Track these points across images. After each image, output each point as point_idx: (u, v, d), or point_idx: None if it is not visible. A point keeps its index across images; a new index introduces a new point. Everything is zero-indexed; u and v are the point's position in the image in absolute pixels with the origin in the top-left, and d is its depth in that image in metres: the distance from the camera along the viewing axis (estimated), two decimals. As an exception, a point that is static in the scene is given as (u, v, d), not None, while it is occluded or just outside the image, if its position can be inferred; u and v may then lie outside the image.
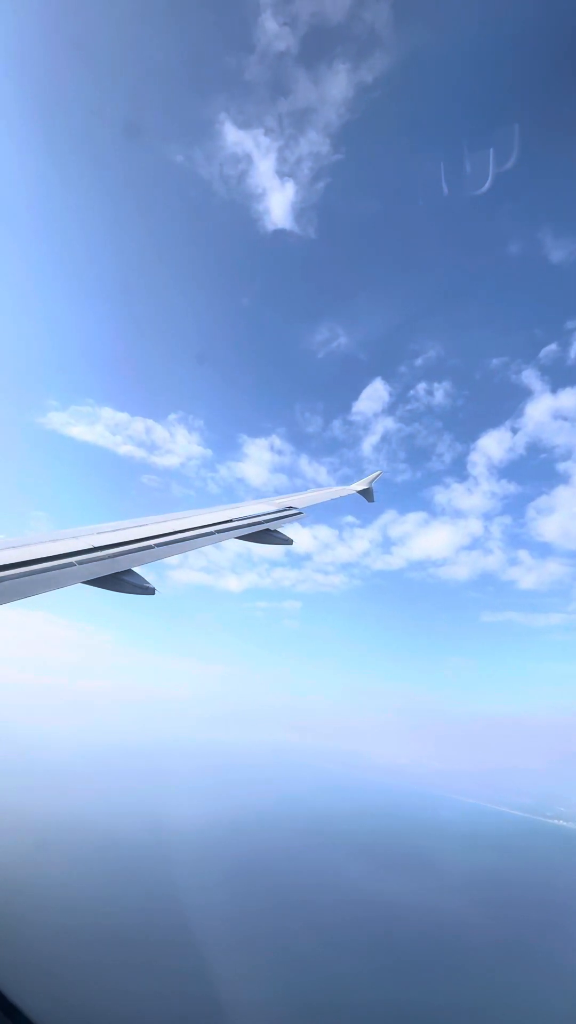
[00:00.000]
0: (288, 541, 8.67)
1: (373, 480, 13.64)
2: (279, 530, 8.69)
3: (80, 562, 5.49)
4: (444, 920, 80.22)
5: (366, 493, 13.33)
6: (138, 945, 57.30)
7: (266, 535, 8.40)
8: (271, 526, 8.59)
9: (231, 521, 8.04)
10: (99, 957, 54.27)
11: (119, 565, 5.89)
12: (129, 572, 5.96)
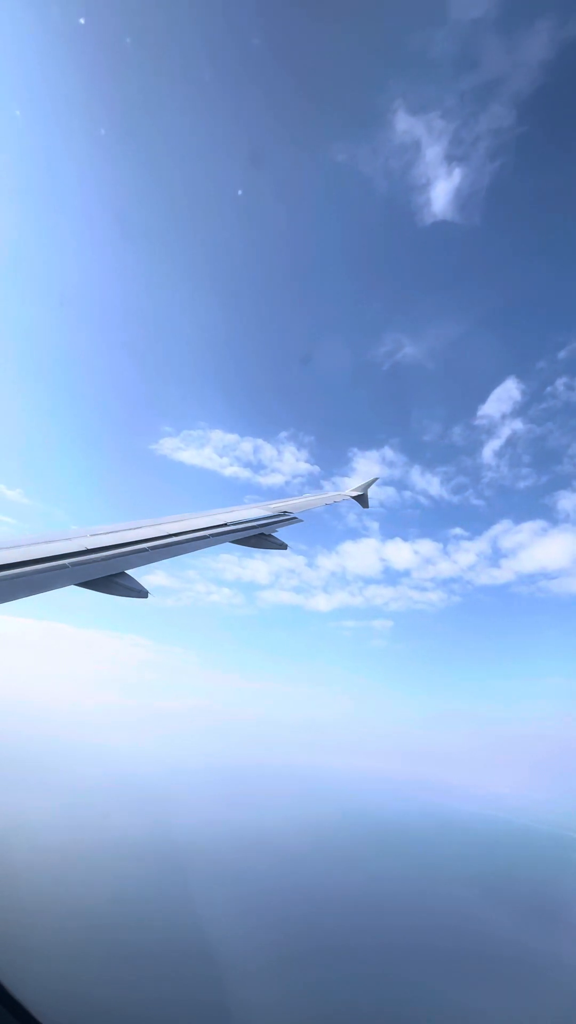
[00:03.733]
0: (283, 546, 8.65)
1: (369, 485, 13.62)
2: (274, 535, 8.66)
3: (73, 564, 5.43)
4: None
5: (361, 499, 13.31)
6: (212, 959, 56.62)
7: (261, 540, 8.37)
8: (266, 531, 8.56)
9: (226, 525, 8.00)
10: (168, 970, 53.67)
11: (112, 568, 5.84)
12: (122, 575, 5.91)
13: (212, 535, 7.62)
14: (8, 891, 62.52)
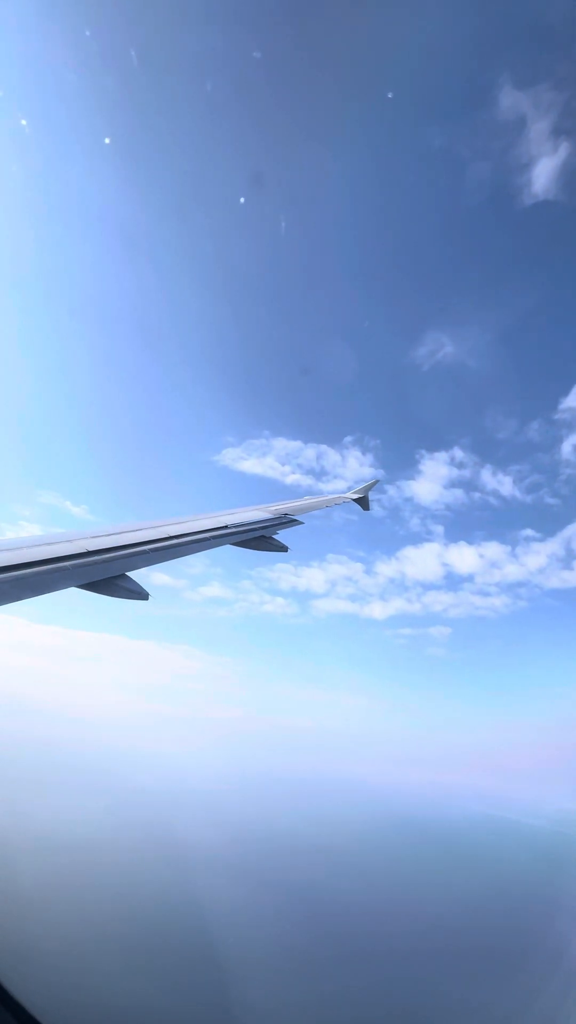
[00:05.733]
0: (283, 548, 8.62)
1: (369, 488, 13.68)
2: (275, 537, 8.62)
3: (74, 566, 5.39)
4: None
5: (362, 501, 13.36)
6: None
7: (262, 542, 8.34)
8: (267, 533, 8.52)
9: (227, 527, 7.95)
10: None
11: (113, 570, 5.81)
12: (123, 577, 5.87)
13: (213, 537, 7.57)
14: (30, 892, 62.33)
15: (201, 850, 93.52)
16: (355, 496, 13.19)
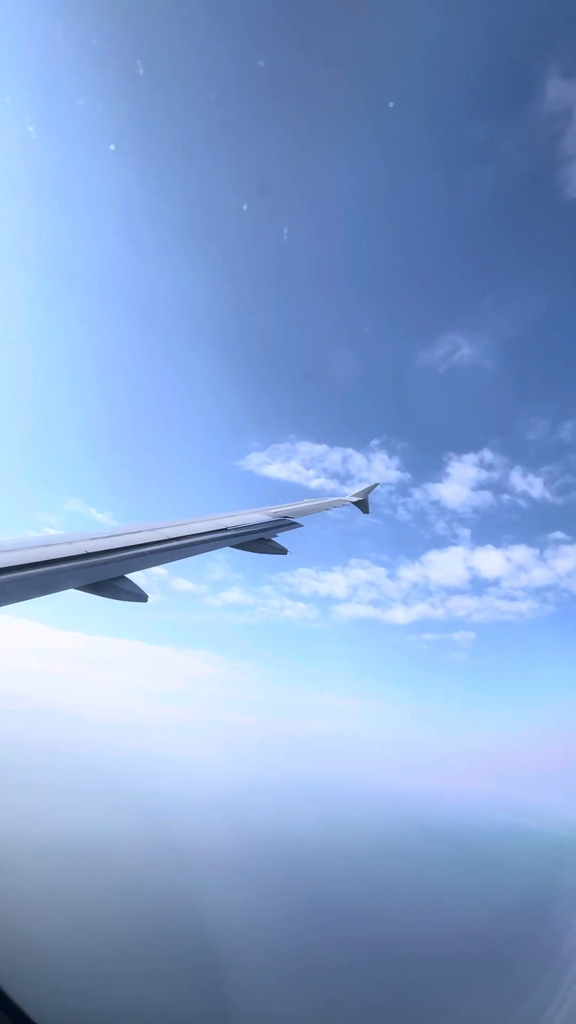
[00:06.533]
0: (283, 551, 8.71)
1: (369, 491, 13.75)
2: (274, 540, 8.73)
3: (74, 568, 5.52)
4: None
5: (362, 504, 13.43)
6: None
7: (261, 544, 8.44)
8: (267, 536, 8.62)
9: (226, 530, 8.07)
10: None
11: (112, 571, 5.91)
12: (122, 579, 5.98)
13: (212, 539, 7.68)
14: (33, 894, 62.23)
15: (213, 853, 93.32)
16: (355, 499, 13.26)
